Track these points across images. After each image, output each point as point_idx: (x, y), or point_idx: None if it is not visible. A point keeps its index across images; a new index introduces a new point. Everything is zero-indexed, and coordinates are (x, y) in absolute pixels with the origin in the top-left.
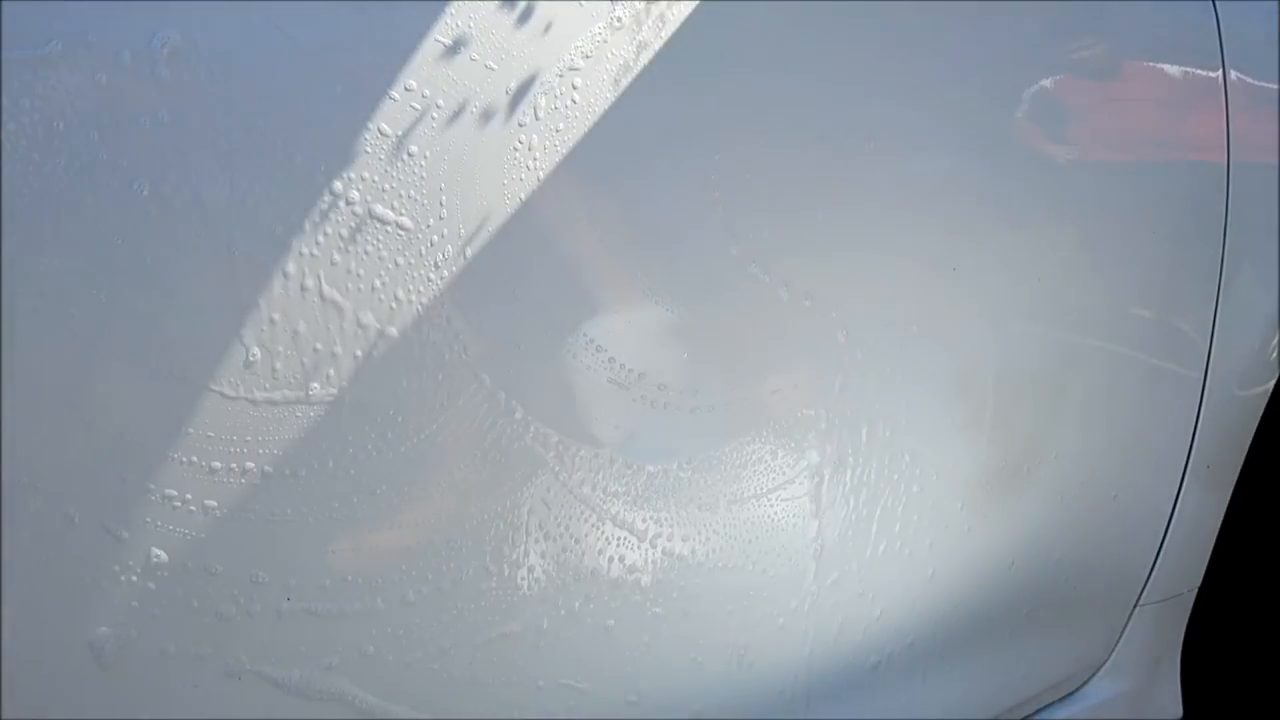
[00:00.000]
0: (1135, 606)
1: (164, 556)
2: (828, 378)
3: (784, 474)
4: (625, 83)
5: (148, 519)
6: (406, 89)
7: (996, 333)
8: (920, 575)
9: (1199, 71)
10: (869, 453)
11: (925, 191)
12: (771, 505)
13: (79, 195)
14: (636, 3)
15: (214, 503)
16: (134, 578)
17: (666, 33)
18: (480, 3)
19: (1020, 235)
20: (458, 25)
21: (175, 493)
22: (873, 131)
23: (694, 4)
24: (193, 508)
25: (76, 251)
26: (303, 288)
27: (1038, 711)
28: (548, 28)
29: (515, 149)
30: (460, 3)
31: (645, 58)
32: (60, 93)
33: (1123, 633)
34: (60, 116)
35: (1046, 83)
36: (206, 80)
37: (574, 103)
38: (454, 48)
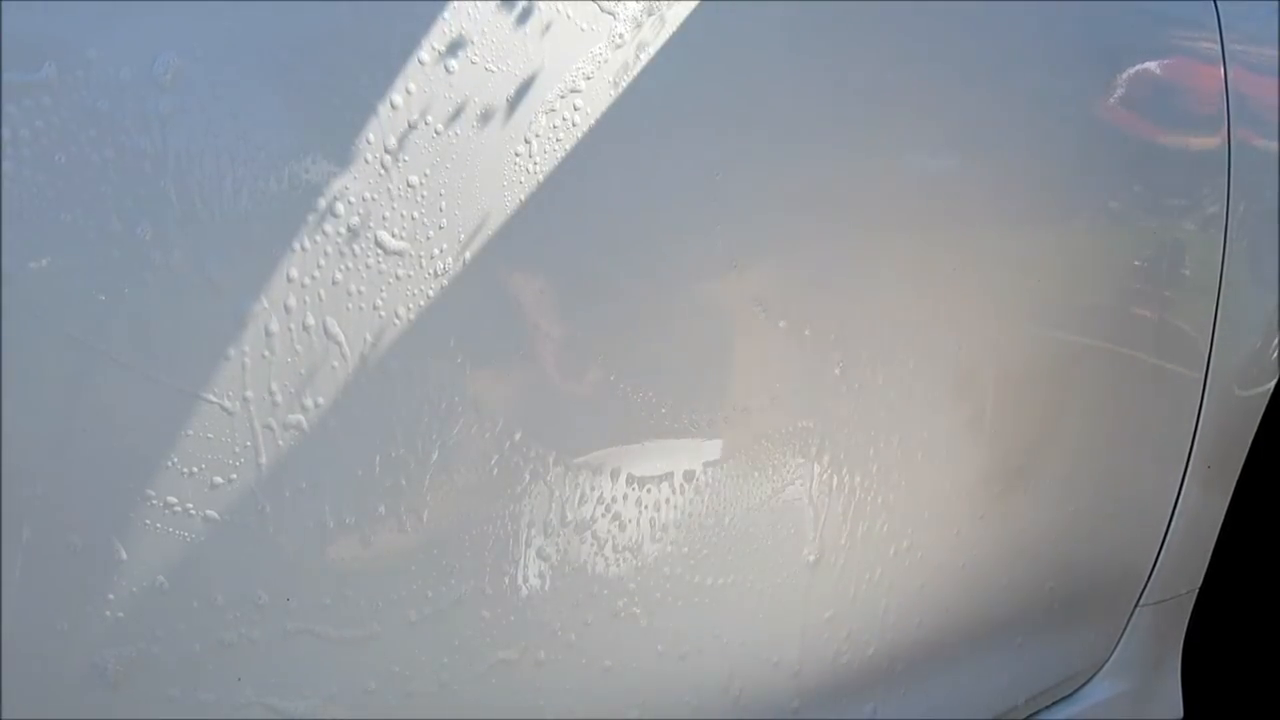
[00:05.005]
0: (1136, 607)
1: (163, 576)
2: (827, 385)
3: (784, 487)
4: (625, 101)
5: (147, 533)
6: (411, 120)
7: (996, 333)
8: (921, 577)
9: (1200, 70)
10: (868, 459)
11: (925, 192)
12: (771, 523)
13: (79, 210)
14: (636, 5)
15: (215, 515)
16: (132, 598)
17: (666, 35)
18: (480, 10)
19: (1020, 235)
20: (457, 35)
21: (175, 500)
22: (872, 132)
23: (693, 5)
24: (193, 513)
25: (78, 263)
26: (304, 306)
27: (1039, 712)
28: (550, 42)
29: (516, 158)
30: (460, 3)
31: (645, 71)
32: (58, 118)
33: (1123, 633)
34: (59, 143)
35: (1045, 82)
36: (208, 97)
37: (575, 124)
38: (454, 58)
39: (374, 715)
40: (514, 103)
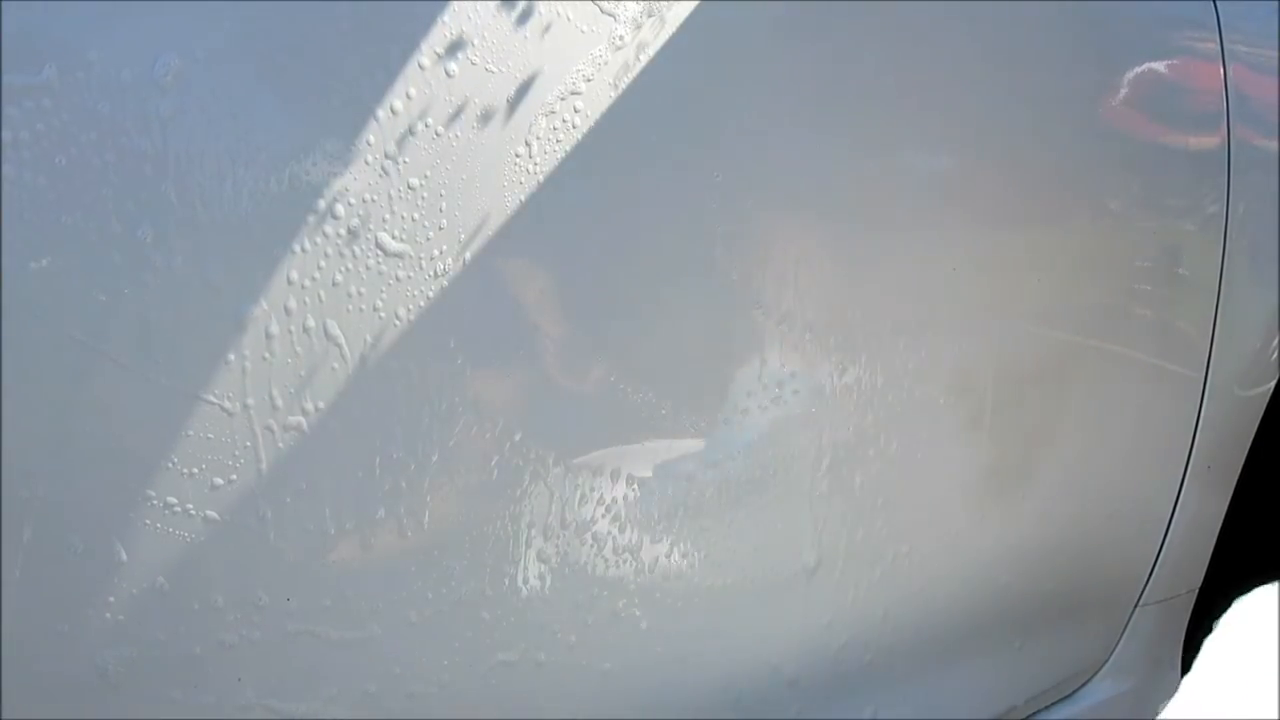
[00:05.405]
0: (1136, 607)
1: (164, 577)
2: (827, 387)
3: (784, 489)
4: (625, 103)
5: (147, 534)
6: (412, 121)
7: (996, 333)
8: (921, 578)
9: (1199, 70)
10: (868, 460)
11: (925, 192)
12: (771, 524)
13: (80, 212)
14: (635, 6)
15: (215, 517)
16: (133, 599)
17: (666, 36)
18: (480, 12)
19: (1020, 235)
20: (457, 37)
21: (176, 502)
22: (872, 132)
23: (693, 6)
24: (193, 515)
25: (79, 265)
26: (304, 307)
27: (1039, 711)
28: (550, 44)
29: (516, 159)
30: (460, 5)
31: (645, 73)
32: (58, 121)
33: (1123, 633)
34: (60, 146)
35: (1046, 82)
36: (208, 99)
37: (575, 127)
38: (455, 60)
39: (374, 717)
40: (514, 104)
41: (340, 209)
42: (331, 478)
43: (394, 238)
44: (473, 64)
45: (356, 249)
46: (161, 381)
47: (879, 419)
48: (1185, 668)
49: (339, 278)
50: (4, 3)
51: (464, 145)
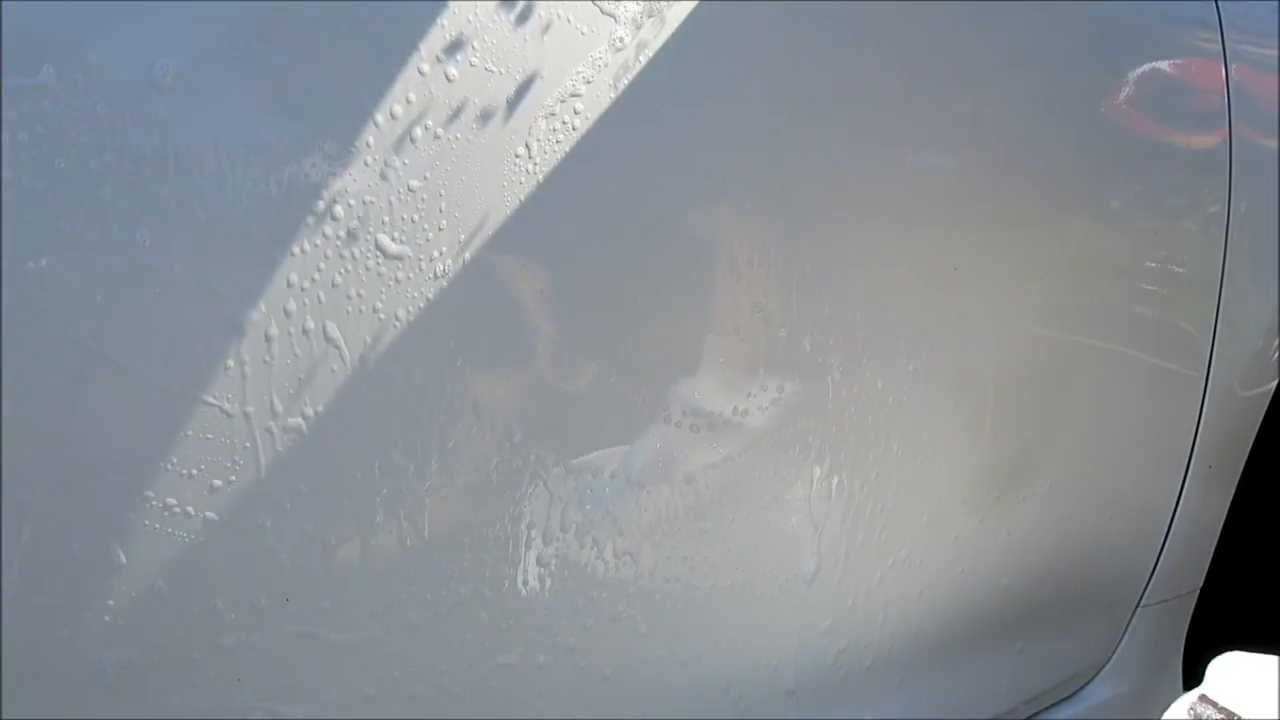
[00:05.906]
0: (1137, 607)
1: (163, 579)
2: (827, 389)
3: (785, 491)
4: (625, 104)
5: (146, 536)
6: (411, 123)
7: (997, 333)
8: (921, 580)
9: (1201, 70)
10: (868, 463)
11: (925, 192)
12: (772, 527)
13: (79, 215)
14: (635, 6)
15: (214, 518)
16: (132, 601)
17: (665, 36)
18: (480, 13)
19: (1020, 235)
20: (457, 38)
21: (175, 504)
22: (872, 132)
23: (693, 6)
24: (192, 516)
25: (78, 267)
26: (303, 309)
27: (1040, 712)
28: (549, 48)
29: (516, 160)
30: (460, 5)
31: (644, 74)
32: (56, 123)
33: (1124, 633)
34: (58, 148)
35: (1047, 82)
36: (207, 100)
37: (574, 128)
38: (454, 61)
39: (374, 719)
40: (514, 106)
41: (340, 210)
42: (331, 479)
43: (394, 239)
44: (473, 65)
45: (356, 251)
46: (161, 383)
47: (879, 421)
48: (1190, 673)
49: (338, 279)
50: (4, 3)
51: (464, 147)
